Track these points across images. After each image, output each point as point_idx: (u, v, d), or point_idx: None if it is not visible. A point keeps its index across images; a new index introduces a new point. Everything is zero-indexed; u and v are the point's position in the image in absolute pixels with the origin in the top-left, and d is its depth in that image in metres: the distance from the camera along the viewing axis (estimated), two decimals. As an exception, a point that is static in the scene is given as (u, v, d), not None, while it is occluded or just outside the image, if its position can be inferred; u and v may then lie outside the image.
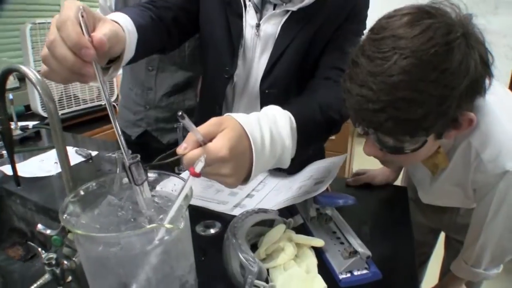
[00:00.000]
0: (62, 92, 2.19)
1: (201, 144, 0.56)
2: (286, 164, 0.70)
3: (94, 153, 1.31)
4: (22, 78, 2.20)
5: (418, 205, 1.17)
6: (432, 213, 1.16)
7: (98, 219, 0.51)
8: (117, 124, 0.55)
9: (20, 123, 1.62)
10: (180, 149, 0.56)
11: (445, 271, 1.26)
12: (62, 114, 2.17)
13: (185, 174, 1.07)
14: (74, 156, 1.29)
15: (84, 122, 2.22)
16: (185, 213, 0.47)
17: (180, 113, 0.50)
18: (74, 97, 2.25)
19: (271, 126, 0.65)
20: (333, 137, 2.57)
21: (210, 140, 0.56)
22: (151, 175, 0.57)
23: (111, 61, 0.70)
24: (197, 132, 0.55)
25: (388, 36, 0.62)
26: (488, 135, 0.74)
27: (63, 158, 0.67)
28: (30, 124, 1.65)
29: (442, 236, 1.29)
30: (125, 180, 0.61)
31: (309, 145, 0.74)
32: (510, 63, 2.69)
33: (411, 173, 1.02)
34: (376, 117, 0.62)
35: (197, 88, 1.48)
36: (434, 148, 0.76)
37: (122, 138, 0.54)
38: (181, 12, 0.95)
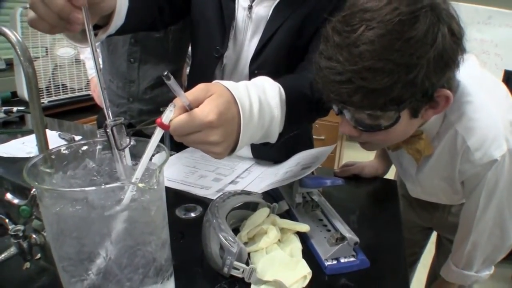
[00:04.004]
0: (50, 80, 2.15)
1: (188, 109, 0.53)
2: (273, 137, 0.68)
3: (77, 137, 1.27)
4: (10, 63, 2.15)
5: (410, 202, 1.16)
6: (424, 211, 1.14)
7: (68, 180, 0.47)
8: (102, 76, 0.52)
9: (5, 108, 1.58)
10: None
11: (434, 271, 1.24)
12: (49, 102, 2.13)
13: (168, 161, 1.04)
14: (57, 140, 1.25)
15: (71, 111, 2.18)
16: (160, 176, 0.43)
17: (165, 73, 0.47)
18: (62, 85, 2.21)
19: (260, 94, 0.63)
20: (322, 137, 2.56)
21: (197, 106, 0.54)
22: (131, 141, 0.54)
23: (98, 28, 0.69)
24: (183, 96, 0.52)
25: (357, 11, 0.62)
26: (474, 121, 0.73)
27: (38, 121, 0.64)
28: (15, 108, 1.61)
29: (433, 236, 1.27)
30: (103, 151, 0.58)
31: (298, 120, 0.72)
32: (500, 72, 2.69)
33: (397, 163, 0.99)
34: (343, 89, 0.62)
35: (181, 79, 1.45)
36: (412, 129, 0.74)
37: (105, 93, 0.51)
38: None
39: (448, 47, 0.61)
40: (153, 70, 1.34)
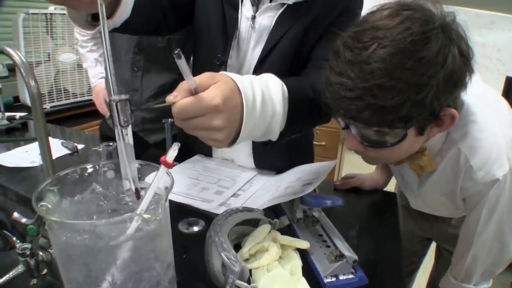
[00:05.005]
0: (52, 85, 2.16)
1: (193, 93, 0.54)
2: (274, 134, 0.69)
3: (80, 146, 1.29)
4: (12, 68, 2.16)
5: (410, 212, 1.16)
6: (424, 221, 1.15)
7: (77, 205, 0.48)
8: (108, 42, 0.52)
9: (7, 114, 1.59)
10: (170, 97, 0.53)
11: (433, 280, 1.25)
12: (51, 107, 2.14)
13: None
14: (60, 149, 1.26)
15: (73, 116, 2.19)
16: (165, 204, 0.45)
17: (176, 51, 0.48)
18: (64, 90, 2.22)
19: (263, 89, 0.64)
20: (323, 143, 2.57)
21: (202, 91, 0.55)
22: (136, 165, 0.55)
23: None
24: (191, 78, 0.52)
25: (368, 28, 0.63)
26: (478, 141, 0.74)
27: (43, 137, 0.65)
28: (18, 115, 1.63)
29: (432, 246, 1.28)
30: (110, 173, 0.59)
31: (299, 119, 0.73)
32: (502, 78, 2.70)
33: (398, 176, 1.00)
34: (353, 105, 0.63)
35: None
36: (417, 146, 0.75)
37: (111, 61, 0.51)
38: None
39: (457, 68, 0.62)
40: (156, 78, 1.36)
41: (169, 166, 0.48)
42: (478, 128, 0.74)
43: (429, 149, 0.80)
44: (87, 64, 1.63)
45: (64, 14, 2.17)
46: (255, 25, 0.93)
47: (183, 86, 0.54)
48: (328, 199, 0.72)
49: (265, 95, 0.64)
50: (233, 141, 0.62)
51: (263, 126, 0.66)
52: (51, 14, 2.10)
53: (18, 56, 0.68)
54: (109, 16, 0.73)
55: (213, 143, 0.59)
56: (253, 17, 0.92)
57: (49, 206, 0.48)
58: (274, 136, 0.70)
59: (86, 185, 0.53)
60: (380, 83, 0.59)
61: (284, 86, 0.69)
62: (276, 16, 0.91)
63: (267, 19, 0.92)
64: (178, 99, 0.53)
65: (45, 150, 0.63)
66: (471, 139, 0.74)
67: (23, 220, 0.61)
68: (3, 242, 1.01)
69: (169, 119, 1.07)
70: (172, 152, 0.48)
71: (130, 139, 0.51)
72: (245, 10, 0.93)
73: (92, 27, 0.74)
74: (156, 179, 0.45)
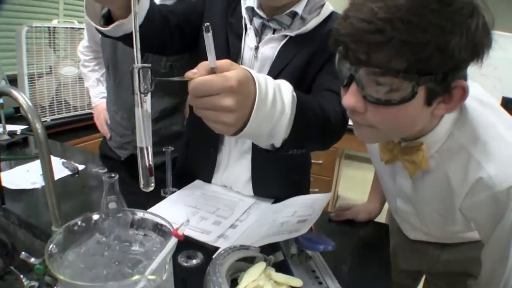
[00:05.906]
0: (53, 98, 2.19)
1: (212, 73, 0.55)
2: (278, 138, 0.68)
3: (81, 167, 1.31)
4: (14, 79, 2.19)
5: (400, 247, 1.18)
6: (413, 256, 1.16)
7: (84, 258, 0.52)
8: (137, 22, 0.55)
9: (8, 127, 1.62)
10: (189, 73, 0.56)
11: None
12: (52, 120, 2.17)
13: (169, 199, 1.08)
14: (60, 169, 1.29)
15: (73, 130, 2.21)
16: (169, 263, 0.48)
17: (207, 24, 0.51)
18: (65, 103, 2.25)
19: (275, 87, 0.65)
20: (320, 161, 2.59)
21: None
22: (139, 214, 0.58)
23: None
24: (213, 55, 0.55)
25: None
26: (492, 147, 0.71)
27: (50, 184, 0.68)
28: (19, 129, 1.65)
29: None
30: (112, 205, 0.62)
31: (303, 131, 0.72)
32: (499, 95, 2.74)
33: (388, 180, 0.94)
34: (371, 38, 0.59)
35: (184, 112, 1.49)
36: (420, 121, 0.70)
37: (137, 30, 0.53)
38: (185, 21, 0.99)
39: (480, 31, 0.61)
40: (158, 103, 1.38)
41: (180, 238, 0.50)
42: (491, 135, 0.71)
43: (426, 146, 0.75)
44: (89, 83, 1.66)
45: (67, 28, 2.20)
46: (258, 55, 0.97)
47: (203, 65, 0.56)
48: (320, 243, 0.75)
49: (276, 93, 0.65)
50: (239, 131, 0.62)
51: (271, 124, 0.66)
52: (54, 27, 2.14)
53: (24, 100, 0.71)
54: (124, 17, 0.76)
55: (221, 126, 0.59)
56: (256, 48, 0.96)
57: (57, 257, 0.52)
58: (278, 141, 0.69)
59: (90, 234, 0.56)
60: (404, 17, 0.57)
61: (294, 92, 0.69)
62: (279, 47, 0.95)
63: (270, 49, 0.96)
64: (197, 76, 0.55)
65: (51, 191, 0.66)
66: (484, 145, 0.71)
67: (32, 260, 0.64)
68: (5, 264, 1.03)
69: (169, 148, 1.10)
70: (183, 227, 0.50)
71: (148, 106, 0.54)
72: (249, 40, 0.97)
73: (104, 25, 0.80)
74: (166, 249, 0.48)
